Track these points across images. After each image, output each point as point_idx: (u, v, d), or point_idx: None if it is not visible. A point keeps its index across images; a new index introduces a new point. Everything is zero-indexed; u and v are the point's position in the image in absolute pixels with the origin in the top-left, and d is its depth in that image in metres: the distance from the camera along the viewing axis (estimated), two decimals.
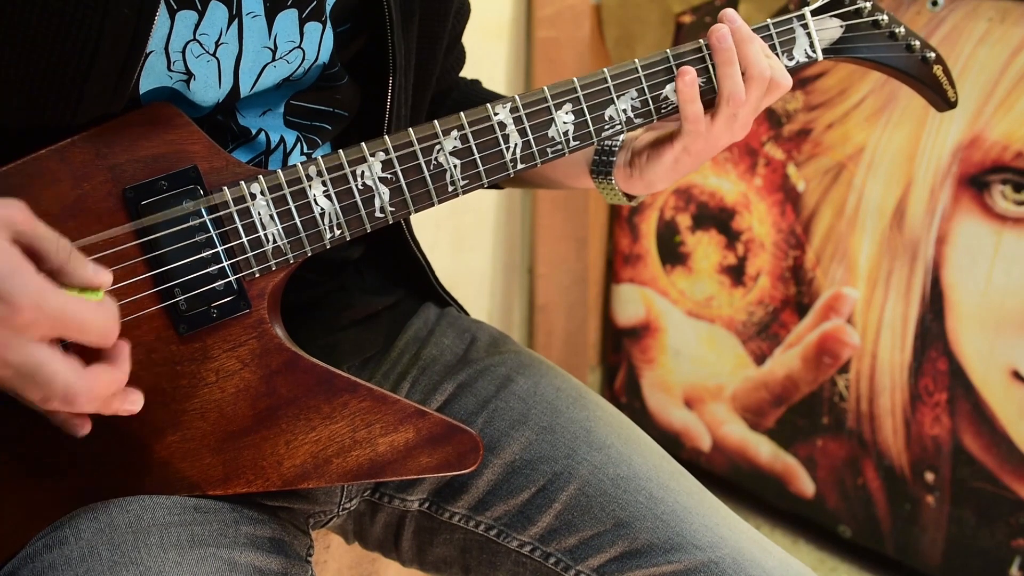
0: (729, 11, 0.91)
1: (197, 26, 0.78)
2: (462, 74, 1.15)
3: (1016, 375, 1.69)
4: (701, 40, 0.91)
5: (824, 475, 1.99)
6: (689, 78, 0.89)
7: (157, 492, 0.80)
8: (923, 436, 1.82)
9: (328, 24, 0.85)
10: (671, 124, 0.94)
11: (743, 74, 0.89)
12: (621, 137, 0.99)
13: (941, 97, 1.00)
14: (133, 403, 0.71)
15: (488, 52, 1.99)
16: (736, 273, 2.04)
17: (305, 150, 0.89)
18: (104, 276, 0.68)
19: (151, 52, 0.76)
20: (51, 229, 0.66)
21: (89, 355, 0.68)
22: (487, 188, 0.90)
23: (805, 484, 2.03)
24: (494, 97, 1.10)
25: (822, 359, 1.93)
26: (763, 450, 2.08)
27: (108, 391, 0.68)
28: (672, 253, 2.14)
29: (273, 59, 0.83)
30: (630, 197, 1.01)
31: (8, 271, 0.62)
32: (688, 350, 2.15)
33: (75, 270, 0.66)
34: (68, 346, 0.68)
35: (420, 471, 0.83)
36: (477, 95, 1.13)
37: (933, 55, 0.98)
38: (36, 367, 0.64)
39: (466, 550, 0.97)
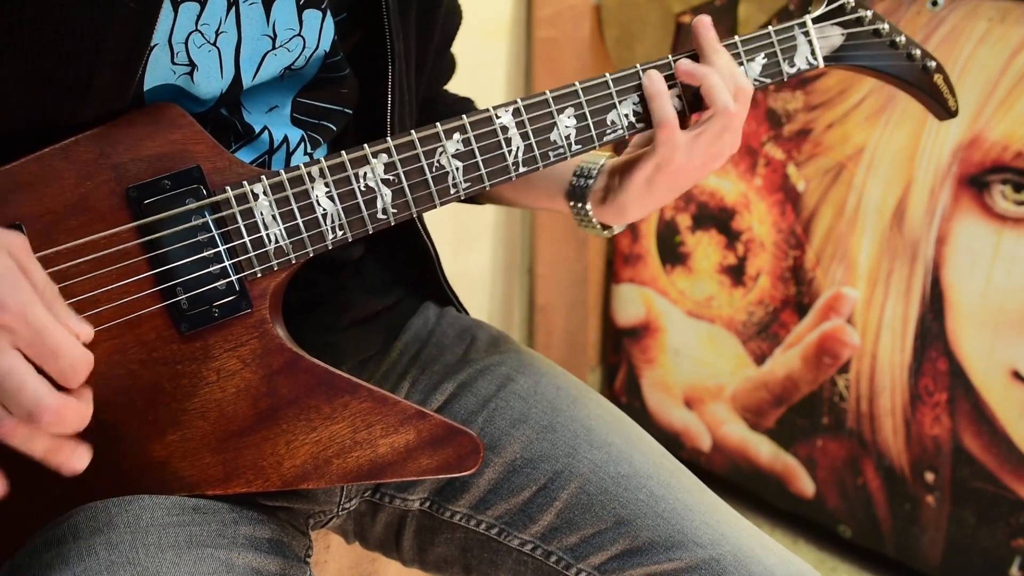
0: (704, 18, 0.90)
1: (199, 16, 0.78)
2: (457, 90, 1.14)
3: (1016, 375, 1.69)
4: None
5: (824, 475, 1.99)
6: (655, 74, 0.88)
7: (156, 491, 0.80)
8: (923, 436, 1.82)
9: (328, 12, 0.85)
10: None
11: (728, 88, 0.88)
12: (602, 160, 0.98)
13: (942, 106, 1.00)
14: (81, 458, 0.67)
15: (488, 52, 1.99)
16: (736, 273, 2.04)
17: (308, 150, 0.89)
18: (85, 329, 0.67)
19: (155, 45, 0.76)
20: (44, 271, 0.67)
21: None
22: (463, 203, 0.89)
23: (805, 484, 2.03)
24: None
25: (822, 359, 1.93)
26: (763, 450, 2.08)
27: (73, 422, 0.65)
28: (672, 253, 2.14)
29: (273, 47, 0.83)
30: (605, 227, 0.99)
31: (4, 273, 0.63)
32: (688, 350, 2.15)
33: (59, 313, 0.66)
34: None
35: (420, 472, 0.83)
36: (457, 105, 1.11)
37: (934, 64, 0.98)
38: (7, 371, 0.62)
39: (467, 549, 0.97)
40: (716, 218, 2.05)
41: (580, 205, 0.98)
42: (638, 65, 0.89)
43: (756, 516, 2.12)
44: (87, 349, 0.67)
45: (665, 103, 0.87)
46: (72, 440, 0.67)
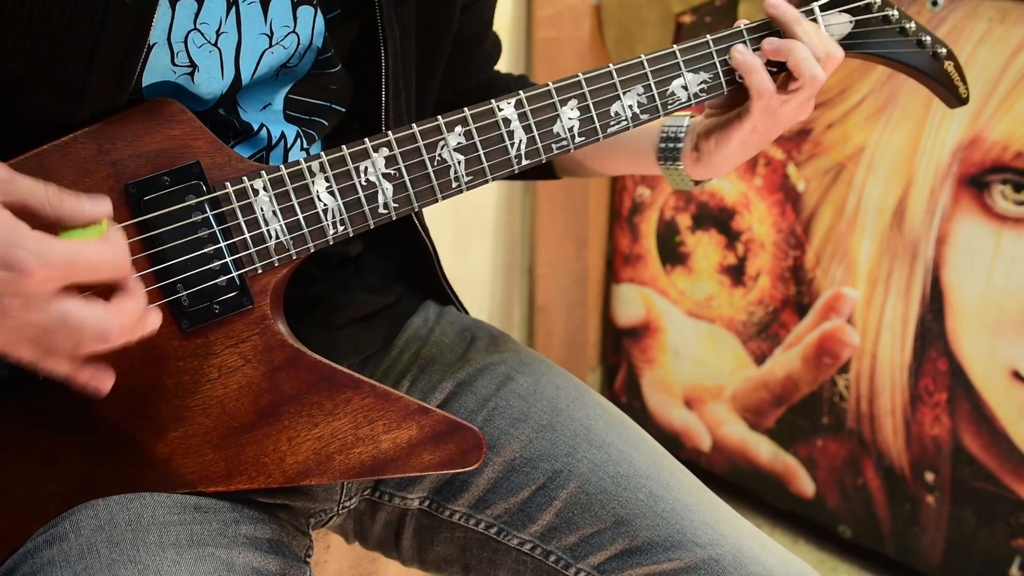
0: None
1: (197, 15, 0.78)
2: (509, 69, 1.14)
3: (1016, 375, 1.69)
4: (708, 36, 0.91)
5: (824, 475, 1.99)
6: (744, 48, 0.90)
7: (159, 488, 0.80)
8: (923, 436, 1.82)
9: (319, 8, 0.85)
10: (730, 109, 0.95)
11: (817, 56, 0.90)
12: (686, 122, 1.00)
13: (952, 93, 0.99)
14: (154, 322, 0.71)
15: None
16: (736, 273, 2.04)
17: (304, 145, 0.89)
18: (102, 206, 0.67)
19: (154, 44, 0.76)
20: (35, 180, 0.65)
21: (102, 292, 0.67)
22: (544, 179, 0.90)
23: (805, 484, 2.03)
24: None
25: (822, 359, 1.93)
26: (763, 450, 2.08)
27: (134, 319, 0.68)
28: (672, 253, 2.14)
29: (270, 45, 0.83)
30: (697, 183, 1.02)
31: (6, 236, 0.62)
32: (688, 350, 2.15)
33: (72, 211, 0.66)
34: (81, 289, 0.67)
35: (423, 468, 0.83)
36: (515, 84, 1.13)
37: (944, 51, 0.97)
38: (63, 318, 0.63)
39: (466, 548, 0.97)
40: (716, 218, 2.05)
41: (674, 165, 1.01)
42: (642, 55, 0.88)
43: (756, 516, 2.12)
44: (116, 232, 0.67)
45: (762, 76, 0.90)
46: (142, 318, 0.69)
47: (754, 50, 0.91)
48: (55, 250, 0.63)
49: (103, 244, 0.65)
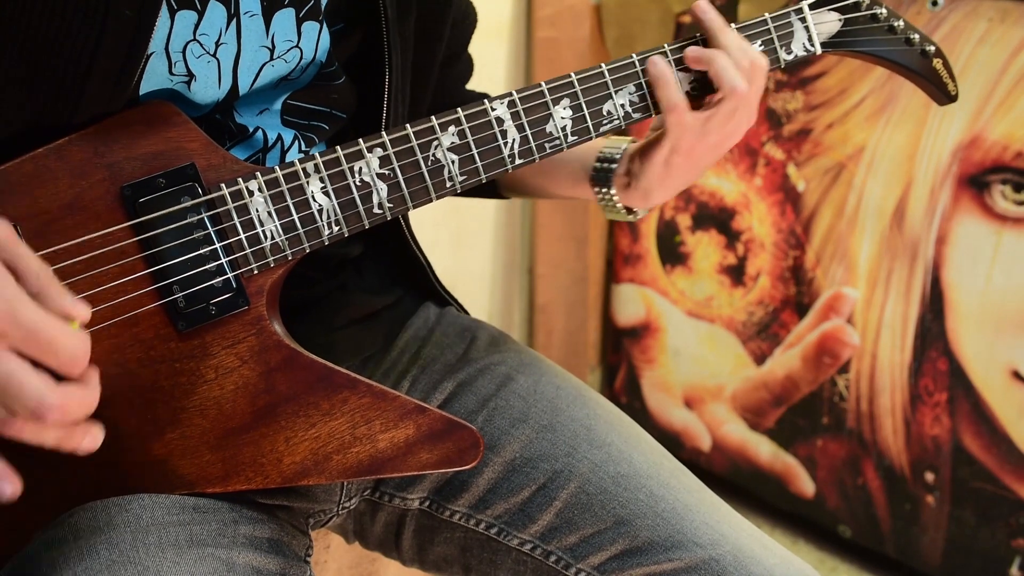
0: (701, 2, 0.90)
1: (197, 26, 0.78)
2: (473, 86, 1.14)
3: (1016, 375, 1.69)
4: (697, 35, 0.91)
5: (824, 475, 1.99)
6: (659, 60, 0.87)
7: (156, 490, 0.80)
8: (923, 436, 1.82)
9: (324, 23, 0.85)
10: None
11: (740, 66, 0.88)
12: (624, 145, 0.98)
13: (941, 91, 0.99)
14: (95, 438, 0.68)
15: (488, 52, 1.99)
16: (736, 273, 2.04)
17: (303, 148, 0.89)
18: (82, 310, 0.66)
19: (152, 53, 0.76)
20: (34, 255, 0.65)
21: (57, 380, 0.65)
22: (489, 198, 0.89)
23: (805, 484, 2.03)
24: None
25: (822, 359, 1.93)
26: (763, 450, 2.08)
27: (79, 412, 0.65)
28: (672, 253, 2.14)
29: (271, 58, 0.83)
30: (630, 211, 1.00)
31: None
32: (688, 350, 2.15)
33: (54, 297, 0.65)
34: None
35: (421, 467, 0.83)
36: None
37: (933, 48, 0.97)
38: (6, 376, 0.62)
39: (467, 549, 0.97)
40: (716, 218, 2.05)
41: (604, 191, 0.98)
42: (634, 55, 0.88)
43: (756, 516, 2.12)
44: (84, 334, 0.66)
45: (670, 89, 0.87)
46: (83, 424, 0.67)
47: (679, 69, 0.89)
48: (26, 310, 0.62)
49: (71, 331, 0.64)
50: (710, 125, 0.89)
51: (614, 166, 0.97)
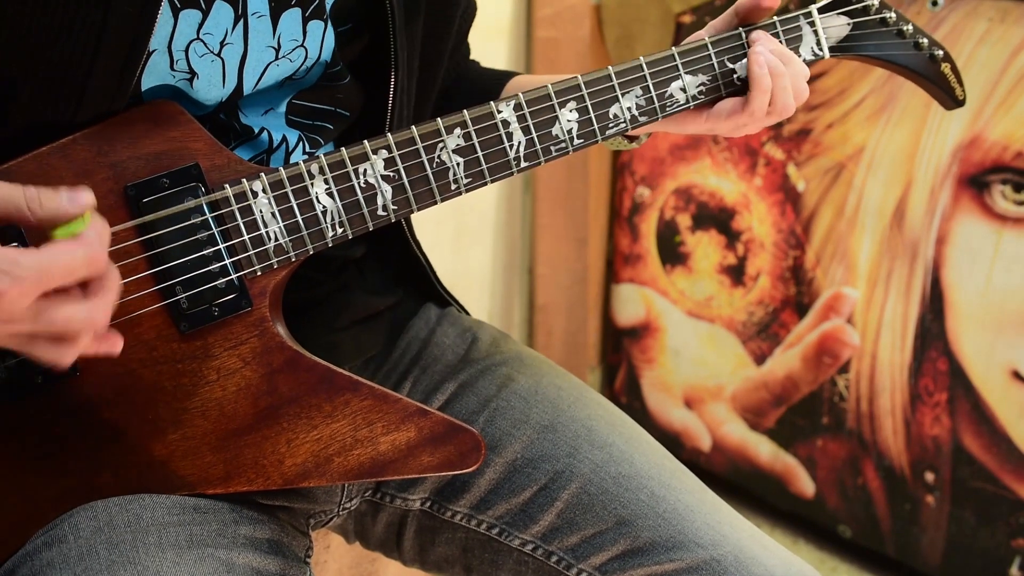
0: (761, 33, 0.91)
1: (201, 25, 0.77)
2: (509, 69, 1.14)
3: (1016, 375, 1.69)
4: (706, 38, 0.91)
5: (824, 475, 1.99)
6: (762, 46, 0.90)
7: (157, 490, 0.80)
8: (923, 436, 1.82)
9: (329, 23, 0.85)
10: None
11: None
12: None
13: (949, 95, 0.99)
14: (113, 345, 0.70)
15: (488, 52, 1.99)
16: (736, 273, 2.04)
17: (307, 149, 0.89)
18: (82, 199, 0.65)
19: (154, 51, 0.76)
20: (12, 185, 0.64)
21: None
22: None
23: (805, 484, 2.03)
24: (499, 77, 1.09)
25: (822, 359, 1.93)
26: (763, 450, 2.08)
27: (109, 312, 0.68)
28: (672, 253, 2.14)
29: (276, 58, 0.83)
30: (631, 140, 1.00)
31: None
32: (688, 350, 2.15)
33: (53, 214, 0.64)
34: None
35: (422, 470, 0.83)
36: (482, 79, 1.12)
37: (941, 52, 0.97)
38: (48, 324, 0.64)
39: (468, 549, 0.97)
40: (716, 218, 2.05)
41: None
42: (641, 58, 0.88)
43: (756, 516, 2.12)
44: (98, 220, 0.66)
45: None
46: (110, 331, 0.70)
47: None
48: (22, 264, 0.62)
49: (74, 245, 0.64)
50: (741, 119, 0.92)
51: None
